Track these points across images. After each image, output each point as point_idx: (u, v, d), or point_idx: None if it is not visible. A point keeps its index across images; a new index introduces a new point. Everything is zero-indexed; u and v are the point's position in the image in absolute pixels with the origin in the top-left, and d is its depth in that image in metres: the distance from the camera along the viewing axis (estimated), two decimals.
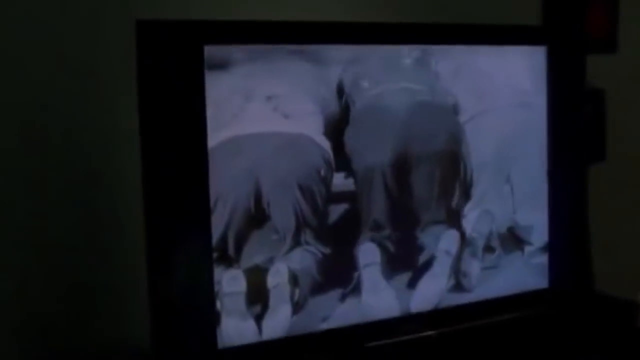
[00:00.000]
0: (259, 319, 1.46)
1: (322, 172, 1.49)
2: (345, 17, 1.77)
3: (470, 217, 1.68)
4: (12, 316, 1.57)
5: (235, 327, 1.44)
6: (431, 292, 1.65)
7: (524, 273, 1.79)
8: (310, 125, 1.49)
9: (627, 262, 2.43)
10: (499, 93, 1.73)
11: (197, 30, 1.38)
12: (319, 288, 1.52)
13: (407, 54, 1.60)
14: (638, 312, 2.02)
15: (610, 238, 2.41)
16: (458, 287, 1.69)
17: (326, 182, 1.50)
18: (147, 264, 1.35)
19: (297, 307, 1.50)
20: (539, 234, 1.79)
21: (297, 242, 1.48)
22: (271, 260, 1.47)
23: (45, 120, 1.58)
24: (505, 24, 1.83)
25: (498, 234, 1.73)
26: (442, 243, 1.65)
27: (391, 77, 1.59)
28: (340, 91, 1.52)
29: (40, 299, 1.59)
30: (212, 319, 1.41)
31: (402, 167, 1.58)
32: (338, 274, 1.54)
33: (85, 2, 1.60)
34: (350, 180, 1.53)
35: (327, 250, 1.52)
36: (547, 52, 1.77)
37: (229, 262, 1.42)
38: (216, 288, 1.41)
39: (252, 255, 1.45)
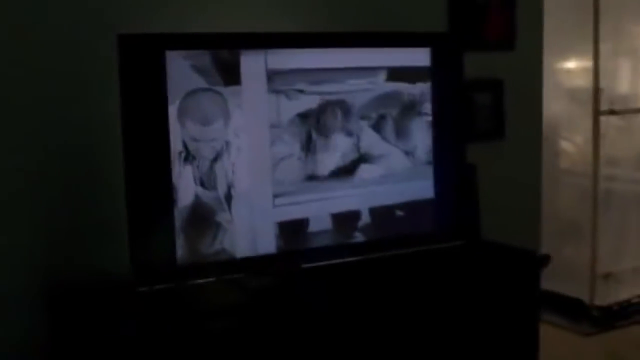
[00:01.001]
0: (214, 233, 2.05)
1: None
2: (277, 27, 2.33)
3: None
4: (26, 253, 2.13)
5: (189, 246, 2.03)
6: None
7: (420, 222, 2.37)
8: None
9: (513, 217, 3.01)
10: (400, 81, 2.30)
11: (160, 40, 1.97)
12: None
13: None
14: (514, 257, 2.59)
15: (503, 196, 2.99)
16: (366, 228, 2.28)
17: None
18: (127, 210, 1.93)
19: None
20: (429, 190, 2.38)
21: None
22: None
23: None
24: (399, 31, 2.40)
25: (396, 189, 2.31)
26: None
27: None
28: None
29: (45, 239, 2.16)
30: (172, 244, 2.00)
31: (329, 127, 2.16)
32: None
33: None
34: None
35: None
36: (431, 52, 2.35)
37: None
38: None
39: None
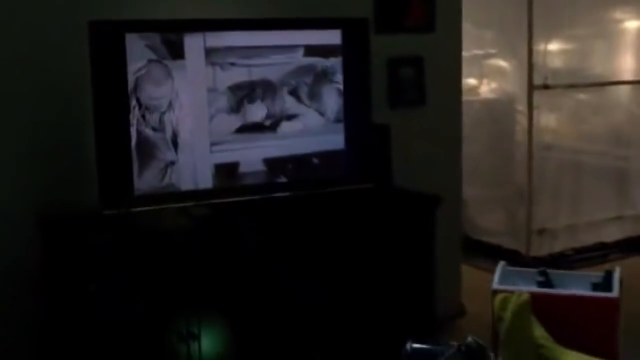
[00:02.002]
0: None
1: None
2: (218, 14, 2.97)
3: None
4: (19, 190, 2.81)
5: (144, 180, 2.69)
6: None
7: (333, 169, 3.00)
8: None
9: (435, 169, 3.63)
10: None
11: (121, 25, 2.63)
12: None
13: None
14: (421, 201, 3.21)
15: (425, 152, 3.60)
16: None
17: None
18: (96, 151, 2.59)
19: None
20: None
21: None
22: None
23: None
24: (315, 17, 3.02)
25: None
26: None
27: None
28: None
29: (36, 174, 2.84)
30: (131, 178, 2.66)
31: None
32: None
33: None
34: None
35: None
36: (342, 33, 2.97)
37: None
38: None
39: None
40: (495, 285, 2.30)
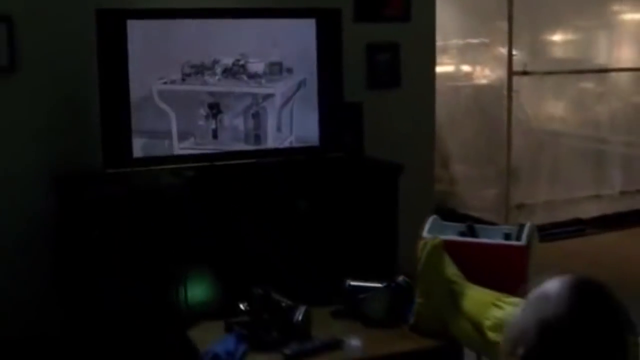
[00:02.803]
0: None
1: None
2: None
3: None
4: (36, 151, 3.33)
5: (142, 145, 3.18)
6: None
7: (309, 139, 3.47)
8: None
9: (409, 143, 4.06)
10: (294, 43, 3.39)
11: (123, 13, 3.12)
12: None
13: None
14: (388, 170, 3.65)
15: (400, 129, 4.04)
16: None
17: None
18: (101, 119, 3.09)
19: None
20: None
21: None
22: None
23: None
24: (294, 7, 3.48)
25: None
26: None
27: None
28: None
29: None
30: (129, 142, 3.15)
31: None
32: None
33: None
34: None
35: None
36: (316, 22, 3.42)
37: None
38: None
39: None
40: (424, 234, 2.74)
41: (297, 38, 3.44)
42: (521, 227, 2.76)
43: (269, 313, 2.44)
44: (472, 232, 2.80)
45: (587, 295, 1.22)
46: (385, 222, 3.52)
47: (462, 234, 2.76)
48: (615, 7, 5.61)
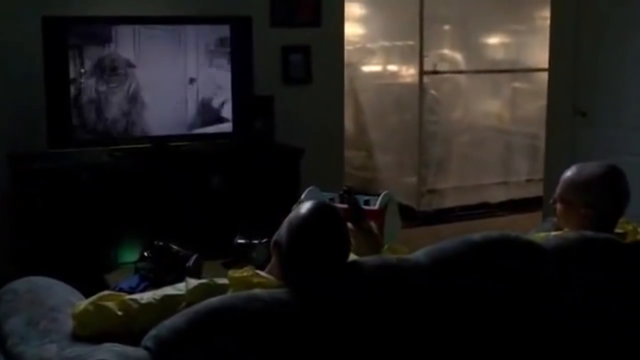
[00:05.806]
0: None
1: None
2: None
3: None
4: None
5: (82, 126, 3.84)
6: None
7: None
8: None
9: (319, 134, 4.72)
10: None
11: (66, 20, 3.77)
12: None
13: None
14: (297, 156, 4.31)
15: (311, 121, 4.70)
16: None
17: None
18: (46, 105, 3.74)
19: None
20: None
21: None
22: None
23: None
24: (210, 15, 4.14)
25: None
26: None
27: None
28: None
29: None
30: (70, 124, 3.80)
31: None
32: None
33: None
34: None
35: None
36: (230, 27, 4.08)
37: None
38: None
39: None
40: (302, 198, 3.42)
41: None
42: (378, 195, 3.44)
43: (167, 259, 3.10)
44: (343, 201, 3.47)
45: (323, 212, 1.94)
46: (287, 196, 4.18)
47: (341, 197, 3.41)
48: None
